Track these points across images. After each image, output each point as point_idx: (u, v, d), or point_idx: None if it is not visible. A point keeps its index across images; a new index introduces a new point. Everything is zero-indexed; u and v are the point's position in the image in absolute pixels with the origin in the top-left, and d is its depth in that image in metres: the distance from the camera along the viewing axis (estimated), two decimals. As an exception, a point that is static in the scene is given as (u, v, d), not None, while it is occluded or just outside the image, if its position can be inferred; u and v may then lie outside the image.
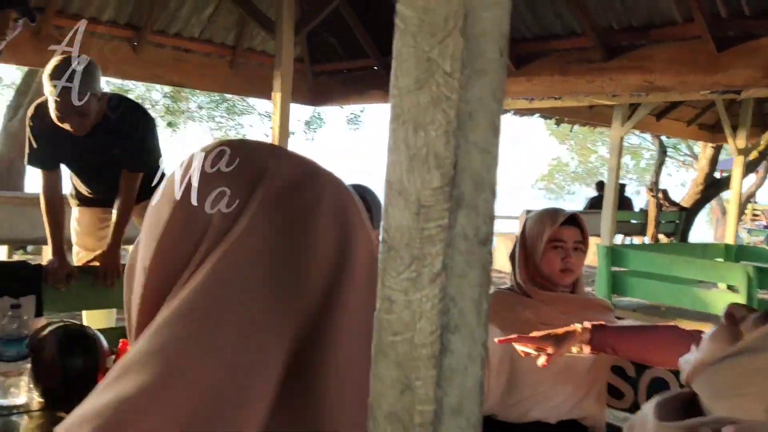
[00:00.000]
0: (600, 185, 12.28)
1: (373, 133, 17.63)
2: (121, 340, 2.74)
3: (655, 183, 10.53)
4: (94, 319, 3.05)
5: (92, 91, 2.47)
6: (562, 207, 2.20)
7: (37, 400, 2.51)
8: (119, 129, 2.63)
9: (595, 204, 11.52)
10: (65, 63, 2.49)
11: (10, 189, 8.45)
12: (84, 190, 2.87)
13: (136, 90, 12.38)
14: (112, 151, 2.67)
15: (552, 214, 2.09)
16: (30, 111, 2.66)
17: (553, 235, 2.01)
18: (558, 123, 7.10)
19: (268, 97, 4.29)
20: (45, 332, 2.55)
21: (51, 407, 2.45)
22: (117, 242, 2.76)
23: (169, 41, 4.16)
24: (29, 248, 7.76)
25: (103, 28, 3.99)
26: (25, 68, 8.55)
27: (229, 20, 4.42)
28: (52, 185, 2.69)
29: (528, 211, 9.38)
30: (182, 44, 4.36)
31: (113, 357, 2.60)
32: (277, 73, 3.64)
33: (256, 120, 14.88)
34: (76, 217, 2.88)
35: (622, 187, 12.73)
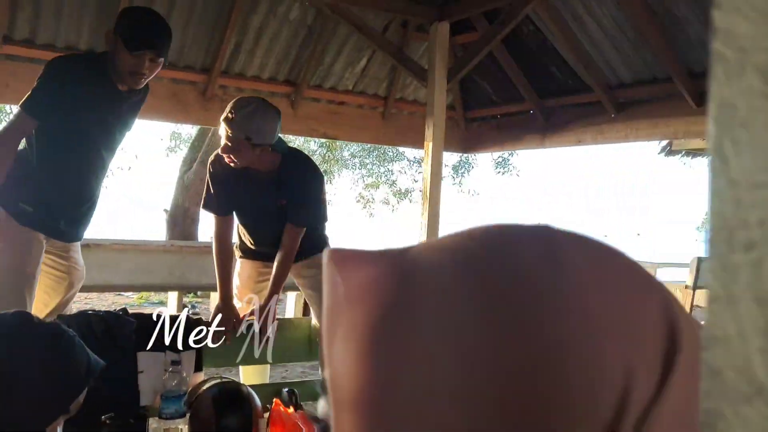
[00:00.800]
0: None
1: (523, 177, 17.15)
2: (274, 399, 2.71)
3: None
4: (249, 375, 3.06)
5: (247, 134, 2.52)
6: None
7: (194, 457, 2.53)
8: (289, 180, 2.69)
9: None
10: (246, 101, 2.61)
11: (184, 237, 9.10)
12: (248, 240, 2.91)
13: (296, 141, 13.05)
14: (279, 202, 2.72)
15: None
16: (211, 157, 2.79)
17: None
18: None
19: (420, 145, 4.23)
20: (202, 390, 2.57)
21: (207, 466, 2.46)
22: (272, 294, 2.78)
23: (324, 95, 4.24)
24: (198, 293, 8.25)
25: (264, 85, 4.14)
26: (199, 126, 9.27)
27: (382, 71, 4.44)
28: (223, 231, 2.79)
29: (700, 258, 8.58)
30: (336, 97, 4.42)
31: (266, 416, 2.57)
32: (429, 121, 3.55)
33: (405, 166, 15.06)
34: (238, 270, 2.92)
35: None
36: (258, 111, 2.56)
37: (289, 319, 3.05)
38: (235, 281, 2.97)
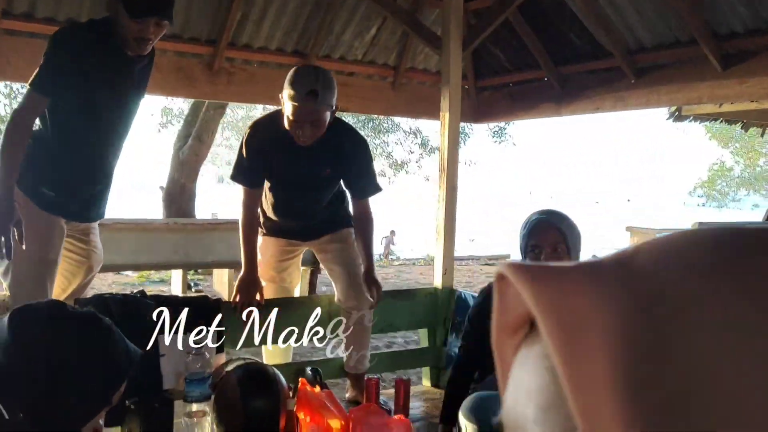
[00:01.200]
0: None
1: (520, 147, 17.06)
2: (300, 379, 2.64)
3: None
4: (272, 355, 2.99)
5: (329, 103, 2.48)
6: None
7: (221, 441, 2.46)
8: (337, 149, 2.63)
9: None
10: (309, 71, 2.53)
11: (182, 214, 8.98)
12: (276, 216, 2.82)
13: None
14: (323, 171, 2.67)
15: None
16: (247, 129, 2.73)
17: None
18: (746, 128, 6.32)
19: (432, 116, 4.12)
20: (227, 372, 2.50)
21: (234, 450, 2.39)
22: (373, 266, 2.82)
23: (333, 66, 4.10)
24: (199, 270, 8.15)
25: (272, 57, 4.01)
26: (192, 99, 9.09)
27: (392, 40, 4.30)
28: (253, 203, 2.71)
29: (700, 224, 8.58)
30: (346, 68, 4.30)
31: (293, 398, 2.50)
32: (444, 91, 3.44)
33: (401, 137, 14.93)
34: (260, 245, 2.83)
35: None
36: (327, 75, 2.53)
37: (295, 298, 2.96)
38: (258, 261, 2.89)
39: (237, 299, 2.62)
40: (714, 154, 23.59)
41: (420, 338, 3.33)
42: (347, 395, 2.92)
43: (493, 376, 1.67)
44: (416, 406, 2.77)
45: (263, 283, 2.77)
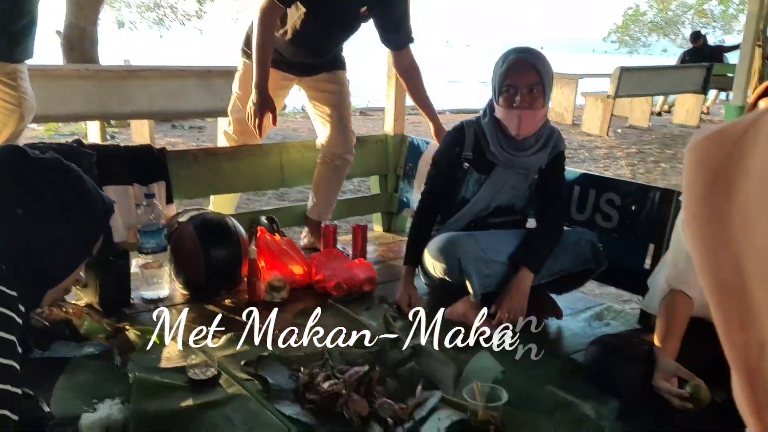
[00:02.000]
0: (696, 36, 11.29)
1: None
2: (259, 228, 2.59)
3: (763, 31, 9.50)
4: (218, 204, 2.90)
5: None
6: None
7: (180, 291, 2.42)
8: None
9: (691, 58, 10.65)
10: None
11: (85, 60, 8.27)
12: (291, 44, 2.59)
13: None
14: (360, 7, 2.51)
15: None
16: None
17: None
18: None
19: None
20: (182, 222, 2.40)
21: (194, 299, 2.36)
22: (439, 121, 2.74)
23: None
24: (112, 122, 7.70)
25: None
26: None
27: None
28: (273, 22, 2.47)
29: (623, 68, 8.76)
30: None
31: (252, 245, 2.46)
32: None
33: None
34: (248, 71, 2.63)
35: (698, 33, 11.65)
36: None
37: (259, 146, 2.84)
38: (242, 84, 2.69)
39: (255, 122, 2.45)
40: (629, -1, 23.71)
41: (371, 185, 3.31)
42: (303, 242, 2.91)
43: (457, 217, 1.63)
44: (371, 250, 2.80)
45: (241, 114, 2.61)
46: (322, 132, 2.78)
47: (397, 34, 2.63)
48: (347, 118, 2.76)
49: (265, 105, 2.44)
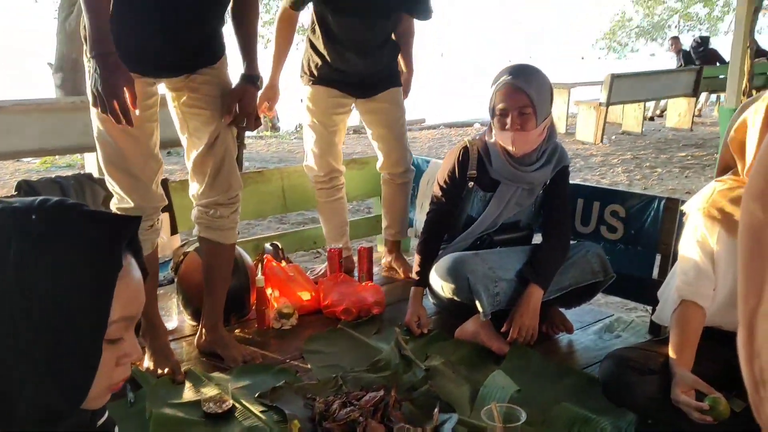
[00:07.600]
0: (704, 40, 11.35)
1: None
2: (265, 256, 2.59)
3: (751, 31, 9.59)
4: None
5: None
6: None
7: (189, 323, 2.41)
8: None
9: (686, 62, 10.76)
10: None
11: (78, 92, 8.29)
12: (337, 46, 2.57)
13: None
14: None
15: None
16: None
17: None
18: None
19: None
20: (188, 252, 2.40)
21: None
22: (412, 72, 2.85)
23: None
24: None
25: None
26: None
27: None
28: (293, 24, 2.68)
29: (614, 75, 8.80)
30: None
31: (259, 273, 2.45)
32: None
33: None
34: (309, 95, 2.67)
35: (706, 39, 11.79)
36: None
37: (260, 172, 2.84)
38: (309, 110, 2.69)
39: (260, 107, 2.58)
40: (617, 4, 23.85)
41: (373, 206, 3.31)
42: (383, 262, 2.98)
43: (464, 236, 1.64)
44: (375, 272, 2.80)
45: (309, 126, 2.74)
46: (381, 152, 2.79)
47: (427, 4, 2.67)
48: (402, 136, 2.77)
49: (270, 90, 2.65)
